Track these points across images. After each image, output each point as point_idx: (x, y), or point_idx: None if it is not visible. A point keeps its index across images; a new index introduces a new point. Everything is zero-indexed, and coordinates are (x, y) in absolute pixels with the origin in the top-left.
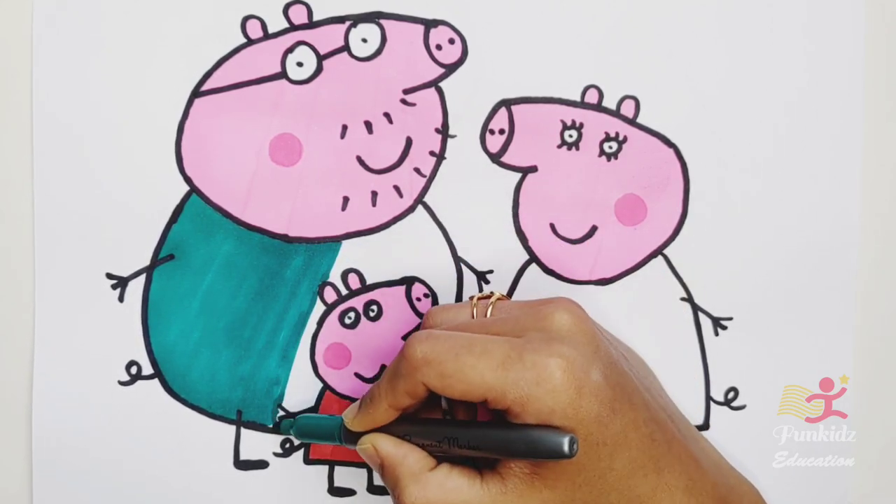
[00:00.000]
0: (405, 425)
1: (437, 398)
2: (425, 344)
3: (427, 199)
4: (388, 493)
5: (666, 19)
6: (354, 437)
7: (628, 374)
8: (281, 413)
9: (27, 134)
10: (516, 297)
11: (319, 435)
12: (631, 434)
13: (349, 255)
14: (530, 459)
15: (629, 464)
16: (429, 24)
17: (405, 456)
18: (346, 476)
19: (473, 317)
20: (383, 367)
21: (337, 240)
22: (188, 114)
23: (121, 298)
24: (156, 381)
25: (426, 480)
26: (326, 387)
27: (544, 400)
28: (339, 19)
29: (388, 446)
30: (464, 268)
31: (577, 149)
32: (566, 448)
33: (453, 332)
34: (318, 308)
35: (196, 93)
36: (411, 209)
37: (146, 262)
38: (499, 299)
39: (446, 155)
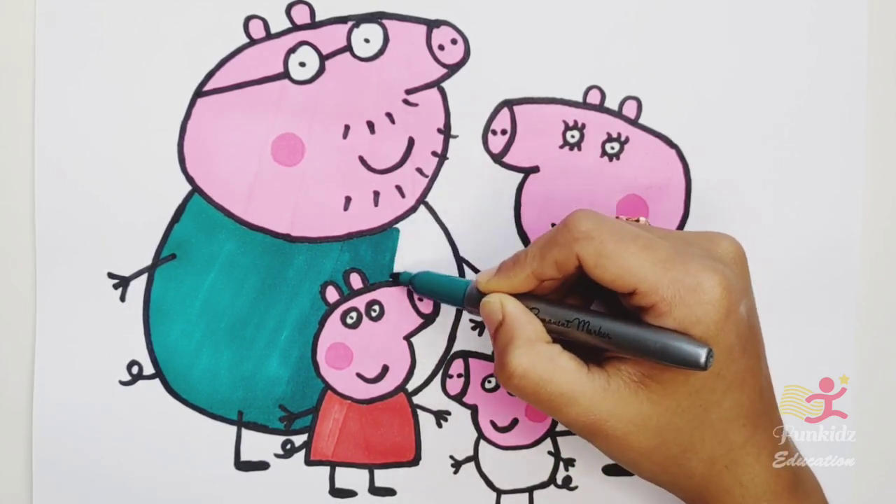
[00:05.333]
0: (537, 301)
1: (567, 292)
2: (591, 219)
3: (429, 199)
4: (389, 494)
5: (668, 21)
6: (478, 301)
7: (759, 324)
8: (282, 413)
9: (29, 133)
10: None
11: (440, 292)
12: (748, 380)
13: (351, 254)
14: (658, 362)
15: (735, 408)
16: (431, 25)
17: (528, 322)
18: (347, 477)
19: None
20: (385, 367)
21: (339, 239)
22: (190, 114)
23: (122, 298)
24: (157, 381)
25: (539, 349)
26: (328, 387)
27: (694, 308)
28: (342, 19)
29: (514, 307)
30: (466, 268)
31: (579, 149)
32: (702, 359)
33: (620, 222)
34: (320, 308)
35: (198, 93)
36: (413, 209)
37: (148, 261)
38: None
39: (448, 155)
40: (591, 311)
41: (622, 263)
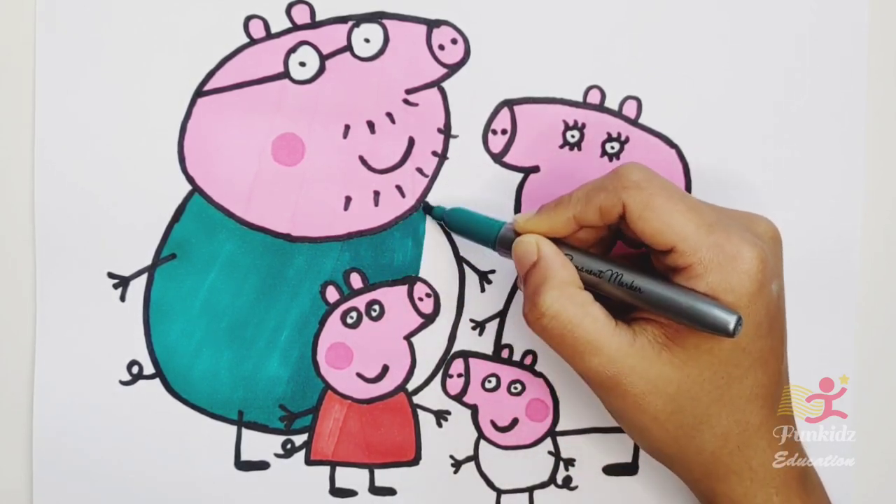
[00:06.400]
0: (570, 249)
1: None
2: (642, 171)
3: (429, 198)
4: (389, 494)
5: (668, 20)
6: (512, 241)
7: (785, 309)
8: (282, 413)
9: (29, 132)
10: (518, 299)
11: (473, 231)
12: (771, 360)
13: (351, 254)
14: (686, 324)
15: (756, 387)
16: (431, 25)
17: (562, 266)
18: (348, 477)
19: None
20: (385, 367)
21: (339, 239)
22: (191, 113)
23: (122, 298)
24: (157, 381)
25: (572, 294)
26: (328, 387)
27: (729, 275)
28: (342, 19)
29: (550, 248)
30: (466, 268)
31: (579, 149)
32: (731, 326)
33: (669, 181)
34: (320, 308)
35: (199, 92)
36: (413, 209)
37: (148, 261)
38: None
39: (448, 155)
40: (629, 266)
41: (667, 219)
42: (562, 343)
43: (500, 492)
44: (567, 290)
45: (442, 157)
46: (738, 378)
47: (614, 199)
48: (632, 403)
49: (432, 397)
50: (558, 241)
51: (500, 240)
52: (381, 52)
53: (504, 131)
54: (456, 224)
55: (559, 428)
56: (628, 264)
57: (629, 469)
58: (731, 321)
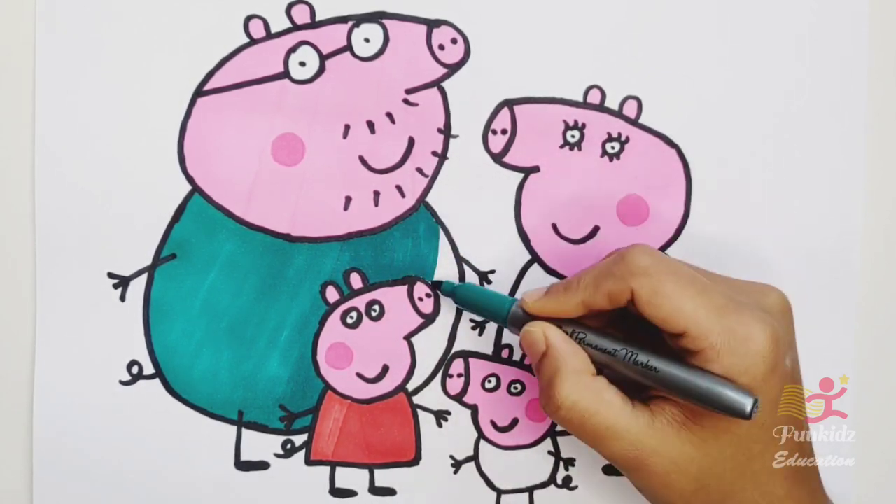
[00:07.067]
0: (583, 328)
1: (608, 322)
2: (651, 256)
3: (429, 198)
4: (389, 494)
5: (669, 20)
6: (522, 321)
7: (801, 376)
8: (282, 413)
9: (29, 133)
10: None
11: (483, 308)
12: None
13: (351, 254)
14: (702, 406)
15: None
16: (431, 24)
17: (574, 353)
18: (347, 477)
19: None
20: (385, 367)
21: (339, 239)
22: (191, 113)
23: (122, 298)
24: (157, 381)
25: (586, 382)
26: (328, 387)
27: (743, 358)
28: (342, 19)
29: (558, 337)
30: (466, 268)
31: (580, 149)
32: (748, 408)
33: (677, 261)
34: (320, 308)
35: (199, 92)
36: (413, 209)
37: (148, 261)
38: None
39: (448, 155)
40: (637, 344)
41: (677, 305)
42: (582, 431)
43: (500, 492)
44: (581, 379)
45: (442, 157)
46: (759, 454)
47: (622, 285)
48: (657, 482)
49: (432, 397)
50: (571, 322)
51: (511, 320)
52: (381, 52)
53: (504, 131)
54: (464, 301)
55: (559, 428)
56: (642, 343)
57: None
58: (747, 404)
